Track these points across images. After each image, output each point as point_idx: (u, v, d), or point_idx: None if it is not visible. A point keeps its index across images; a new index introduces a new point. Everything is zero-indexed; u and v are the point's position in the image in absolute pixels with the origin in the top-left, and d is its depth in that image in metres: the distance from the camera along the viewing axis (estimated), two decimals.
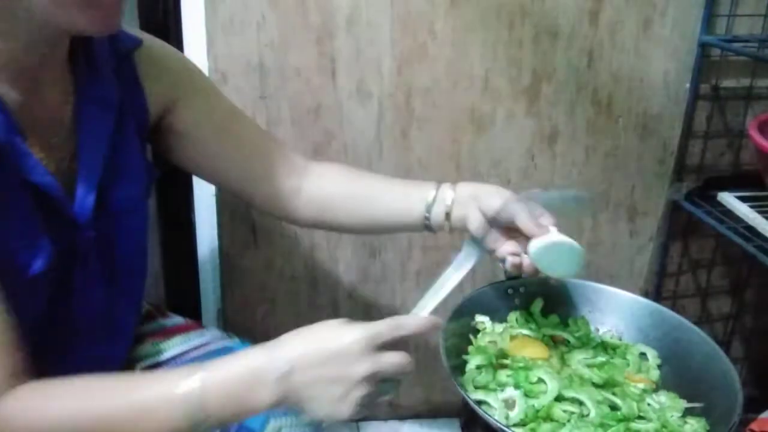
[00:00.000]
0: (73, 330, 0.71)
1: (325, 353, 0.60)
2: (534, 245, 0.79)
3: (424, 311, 0.73)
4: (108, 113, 0.69)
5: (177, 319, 0.93)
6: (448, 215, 0.84)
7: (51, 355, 0.67)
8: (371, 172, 0.91)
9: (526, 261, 0.80)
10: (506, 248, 0.81)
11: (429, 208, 0.84)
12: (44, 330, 0.67)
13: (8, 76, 0.60)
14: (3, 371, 0.57)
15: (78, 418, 0.58)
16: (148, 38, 0.77)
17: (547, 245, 0.79)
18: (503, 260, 0.82)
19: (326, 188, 0.88)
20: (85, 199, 0.67)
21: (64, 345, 0.70)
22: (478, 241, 0.81)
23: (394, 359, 0.63)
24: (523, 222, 0.78)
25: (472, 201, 0.82)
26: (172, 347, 0.86)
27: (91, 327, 0.73)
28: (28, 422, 0.57)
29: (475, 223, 0.82)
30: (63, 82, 0.67)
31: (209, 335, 0.90)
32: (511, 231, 0.81)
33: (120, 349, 0.81)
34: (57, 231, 0.64)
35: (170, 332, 0.89)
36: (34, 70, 0.63)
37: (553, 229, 0.80)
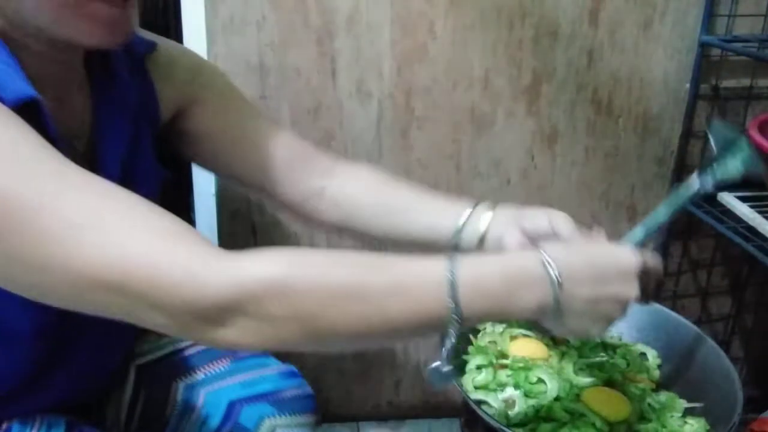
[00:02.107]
0: (82, 322, 0.71)
1: (602, 269, 0.59)
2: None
3: (633, 244, 0.70)
4: (126, 116, 0.69)
5: None
6: (482, 235, 0.77)
7: (56, 346, 0.67)
8: (405, 180, 0.84)
9: None
10: None
11: (462, 226, 0.78)
12: (53, 323, 0.66)
13: (41, 86, 0.60)
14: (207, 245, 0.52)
15: (345, 282, 0.53)
16: (162, 41, 0.77)
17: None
18: None
19: (353, 191, 0.82)
20: None
21: (73, 338, 0.70)
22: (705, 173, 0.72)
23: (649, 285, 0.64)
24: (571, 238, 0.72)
25: (511, 222, 0.76)
26: (167, 345, 0.86)
27: (99, 320, 0.73)
28: (312, 281, 0.51)
29: (513, 244, 0.74)
30: (83, 89, 0.67)
31: None
32: None
33: (126, 342, 0.81)
34: None
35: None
36: (62, 80, 0.63)
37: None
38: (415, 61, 1.20)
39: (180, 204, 1.31)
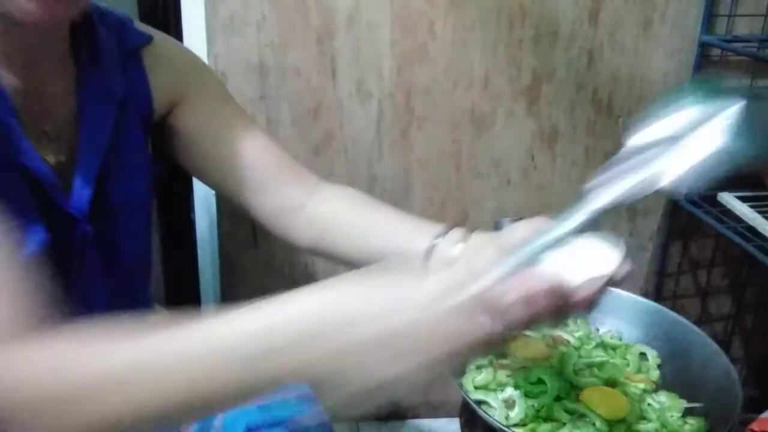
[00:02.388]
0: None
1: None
2: None
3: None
4: (110, 107, 0.68)
5: None
6: (453, 258, 0.69)
7: None
8: (384, 203, 0.82)
9: None
10: None
11: (433, 250, 0.71)
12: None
13: (5, 62, 0.60)
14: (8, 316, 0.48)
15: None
16: (160, 36, 0.76)
17: None
18: None
19: (331, 210, 0.80)
20: (82, 192, 0.65)
21: None
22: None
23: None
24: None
25: (489, 243, 0.68)
26: None
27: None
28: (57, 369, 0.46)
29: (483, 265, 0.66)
30: (65, 75, 0.66)
31: None
32: None
33: None
34: (51, 221, 0.62)
35: None
36: (34, 61, 0.62)
37: None
38: (415, 61, 1.20)
39: (180, 204, 1.31)
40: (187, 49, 0.82)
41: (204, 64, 0.84)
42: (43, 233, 0.61)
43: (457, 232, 0.70)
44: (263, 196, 0.80)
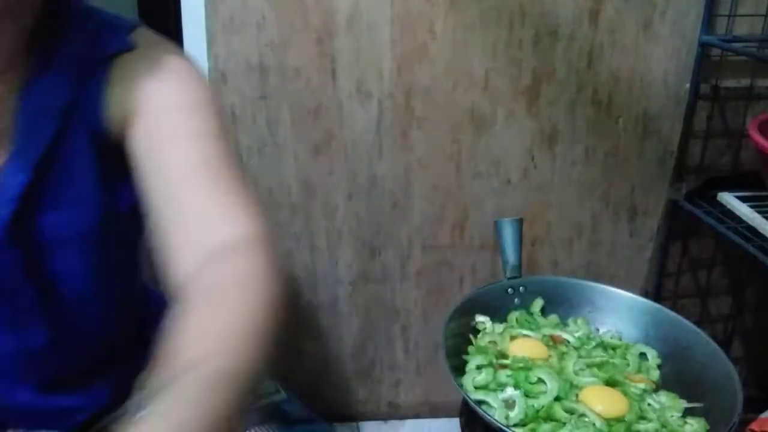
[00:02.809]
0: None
1: None
2: None
3: None
4: (51, 118, 0.60)
5: None
6: None
7: None
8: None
9: None
10: None
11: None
12: None
13: None
14: None
15: None
16: (151, 45, 0.65)
17: None
18: None
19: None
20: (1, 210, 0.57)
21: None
22: None
23: None
24: None
25: None
26: None
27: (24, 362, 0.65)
28: None
29: None
30: (8, 80, 0.60)
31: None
32: None
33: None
34: None
35: None
36: None
37: None
38: (415, 61, 1.20)
39: None
40: (174, 60, 0.66)
41: (182, 73, 0.66)
42: None
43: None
44: (168, 247, 0.60)
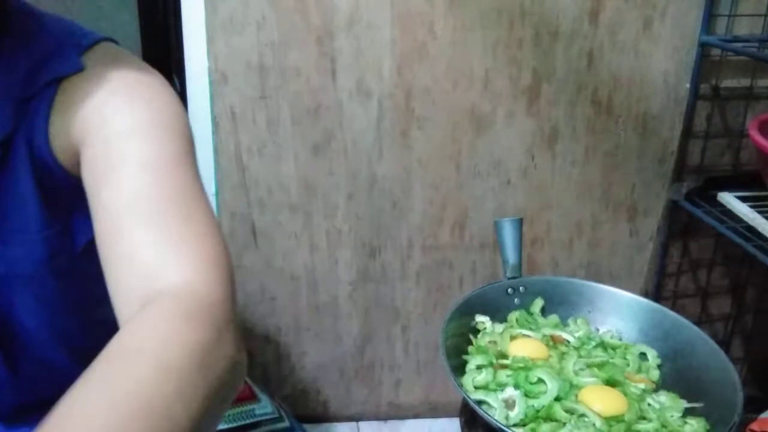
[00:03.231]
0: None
1: None
2: None
3: None
4: None
5: None
6: None
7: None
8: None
9: None
10: None
11: None
12: None
13: None
14: None
15: None
16: (106, 65, 0.58)
17: None
18: None
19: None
20: None
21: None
22: None
23: None
24: None
25: None
26: (223, 421, 0.80)
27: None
28: None
29: None
30: None
31: (260, 411, 0.85)
32: None
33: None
34: None
35: None
36: None
37: None
38: (415, 61, 1.20)
39: None
40: (130, 75, 0.59)
41: (138, 92, 0.58)
42: None
43: None
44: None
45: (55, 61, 0.57)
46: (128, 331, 0.43)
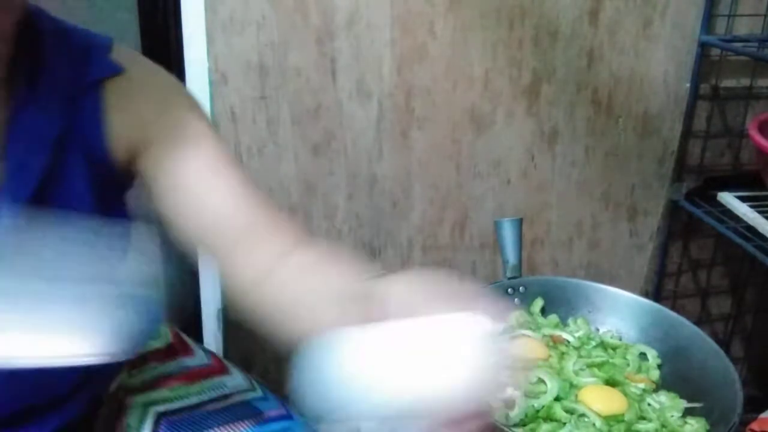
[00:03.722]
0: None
1: None
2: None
3: None
4: (43, 149, 0.60)
5: (200, 357, 0.88)
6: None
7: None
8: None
9: None
10: None
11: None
12: None
13: None
14: None
15: None
16: (139, 67, 0.66)
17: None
18: None
19: (294, 286, 0.68)
20: None
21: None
22: None
23: None
24: None
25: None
26: (190, 395, 0.81)
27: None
28: None
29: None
30: None
31: (231, 383, 0.85)
32: None
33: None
34: None
35: (191, 376, 0.84)
36: None
37: None
38: (415, 61, 1.20)
39: None
40: (167, 81, 0.69)
41: (183, 99, 0.70)
42: None
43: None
44: (230, 260, 0.69)
45: (92, 61, 0.62)
46: (302, 255, 0.68)
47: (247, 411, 0.82)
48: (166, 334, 0.88)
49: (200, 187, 0.68)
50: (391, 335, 0.45)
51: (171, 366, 0.86)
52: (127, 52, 0.65)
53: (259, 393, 0.87)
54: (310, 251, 0.70)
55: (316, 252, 0.69)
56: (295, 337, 0.62)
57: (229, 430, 0.79)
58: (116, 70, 0.63)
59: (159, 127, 0.66)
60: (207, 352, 0.91)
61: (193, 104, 0.70)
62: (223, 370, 0.88)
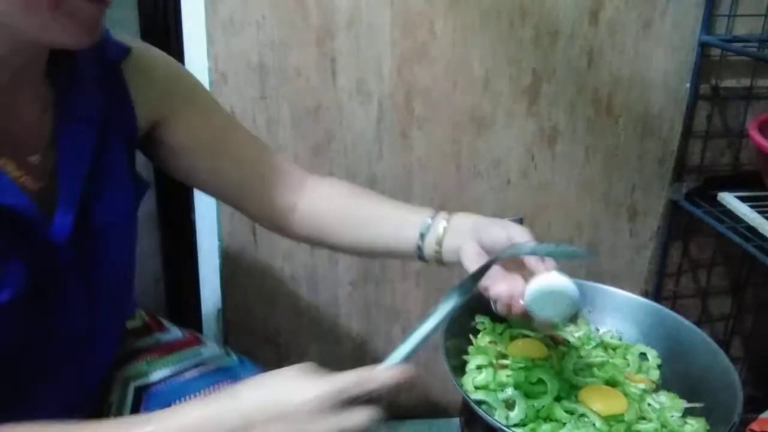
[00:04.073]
0: (49, 353, 0.67)
1: (283, 409, 0.55)
2: (533, 287, 0.70)
3: (396, 360, 0.64)
4: (90, 128, 0.65)
5: (175, 333, 0.90)
6: (439, 245, 0.79)
7: (24, 380, 0.64)
8: (371, 191, 0.88)
9: (517, 305, 0.72)
10: (499, 288, 0.72)
11: (423, 237, 0.79)
12: (16, 356, 0.62)
13: None
14: None
15: None
16: (139, 46, 0.72)
17: (546, 290, 0.71)
18: (495, 300, 0.73)
19: (321, 207, 0.84)
20: (64, 218, 0.62)
21: (39, 369, 0.66)
22: (466, 284, 0.70)
23: (359, 418, 0.57)
24: (529, 258, 0.72)
25: (468, 232, 0.77)
26: (166, 366, 0.83)
27: (70, 350, 0.69)
28: None
29: (470, 255, 0.75)
30: (41, 97, 0.63)
31: (207, 353, 0.87)
32: (507, 268, 0.74)
33: (98, 372, 0.76)
34: (32, 254, 0.60)
35: (166, 349, 0.86)
36: (7, 87, 0.59)
37: (554, 272, 0.74)
38: (415, 61, 1.20)
39: (180, 204, 1.31)
40: (168, 59, 0.78)
41: (186, 73, 0.81)
42: (21, 272, 0.59)
43: (440, 217, 0.80)
44: (259, 201, 0.83)
45: (107, 46, 0.68)
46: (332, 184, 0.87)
47: (224, 376, 0.84)
48: (141, 316, 0.89)
49: (226, 144, 0.80)
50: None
51: (146, 340, 0.87)
52: (121, 34, 0.71)
53: (235, 360, 0.88)
54: (327, 182, 0.88)
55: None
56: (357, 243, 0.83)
57: (209, 392, 0.81)
58: (127, 50, 0.70)
59: (175, 98, 0.75)
60: (182, 329, 0.92)
61: (188, 74, 0.80)
62: (198, 342, 0.89)
